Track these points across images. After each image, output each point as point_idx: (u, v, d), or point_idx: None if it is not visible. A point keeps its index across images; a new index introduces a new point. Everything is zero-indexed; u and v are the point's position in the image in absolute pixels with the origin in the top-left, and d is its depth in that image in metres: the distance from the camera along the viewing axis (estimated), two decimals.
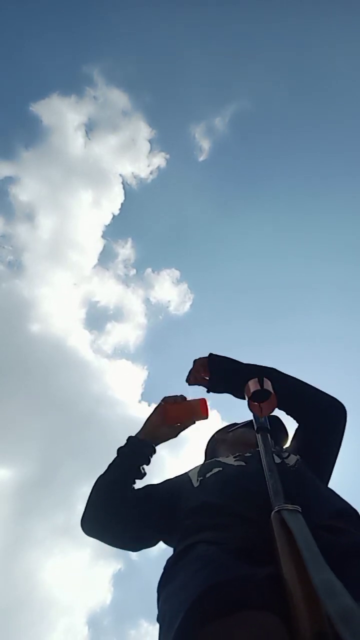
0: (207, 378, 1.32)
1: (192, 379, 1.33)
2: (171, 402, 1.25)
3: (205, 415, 1.24)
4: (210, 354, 1.33)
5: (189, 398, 1.27)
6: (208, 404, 1.25)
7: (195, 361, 1.33)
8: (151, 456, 1.17)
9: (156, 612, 0.78)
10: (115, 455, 1.15)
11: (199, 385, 1.33)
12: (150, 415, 1.25)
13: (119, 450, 1.16)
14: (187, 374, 1.35)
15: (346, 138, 8.55)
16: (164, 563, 0.87)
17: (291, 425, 1.26)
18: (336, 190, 8.81)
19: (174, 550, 0.84)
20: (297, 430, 1.22)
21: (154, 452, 1.18)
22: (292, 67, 8.47)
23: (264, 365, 1.28)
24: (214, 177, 9.69)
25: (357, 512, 0.92)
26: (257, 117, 9.06)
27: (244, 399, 1.20)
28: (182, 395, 1.27)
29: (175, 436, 1.25)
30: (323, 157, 8.90)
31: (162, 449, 1.23)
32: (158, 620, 0.73)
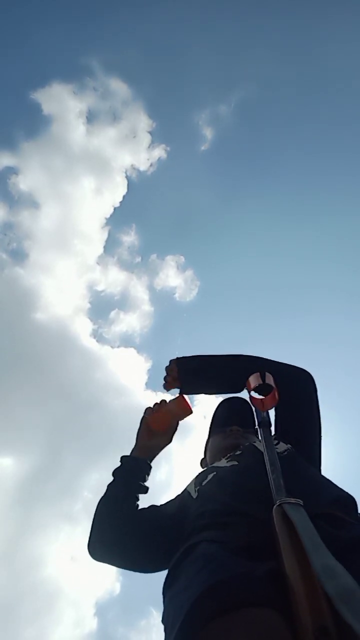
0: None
1: (167, 385, 1.33)
2: (150, 412, 1.25)
3: (187, 411, 1.25)
4: (177, 358, 1.33)
5: (168, 399, 1.27)
6: (187, 398, 1.26)
7: (166, 367, 1.34)
8: (147, 473, 1.16)
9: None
10: (112, 476, 1.15)
11: (176, 389, 1.34)
12: (138, 431, 1.25)
13: (114, 471, 1.15)
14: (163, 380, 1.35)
15: (352, 126, 8.46)
16: None
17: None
18: (340, 179, 8.73)
19: (178, 551, 0.84)
20: (275, 413, 1.22)
21: (149, 467, 1.18)
22: (297, 53, 8.35)
23: (230, 354, 1.31)
24: (217, 164, 9.62)
25: (354, 499, 0.92)
26: (261, 104, 8.96)
27: (218, 394, 1.25)
28: (161, 401, 1.27)
29: (170, 441, 1.25)
30: (328, 145, 8.81)
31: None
32: (163, 621, 0.74)
